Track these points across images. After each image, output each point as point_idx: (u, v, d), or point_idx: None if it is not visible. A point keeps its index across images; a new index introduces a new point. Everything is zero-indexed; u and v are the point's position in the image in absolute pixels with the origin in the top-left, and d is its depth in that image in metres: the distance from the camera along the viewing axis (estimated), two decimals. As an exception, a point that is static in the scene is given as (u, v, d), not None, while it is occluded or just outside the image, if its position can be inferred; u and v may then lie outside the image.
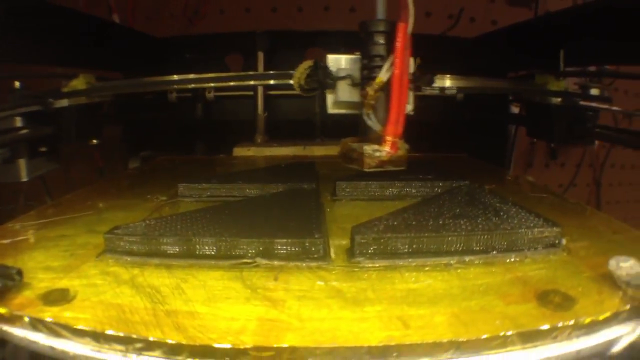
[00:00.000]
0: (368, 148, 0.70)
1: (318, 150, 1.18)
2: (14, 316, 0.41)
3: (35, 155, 0.96)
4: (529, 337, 0.36)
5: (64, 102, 0.98)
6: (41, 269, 0.49)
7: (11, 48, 0.90)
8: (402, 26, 0.66)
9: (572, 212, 0.68)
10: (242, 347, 0.35)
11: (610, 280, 0.42)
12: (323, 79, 0.77)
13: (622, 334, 0.38)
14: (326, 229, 0.57)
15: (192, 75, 0.98)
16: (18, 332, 0.41)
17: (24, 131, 0.92)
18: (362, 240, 0.49)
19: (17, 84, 0.95)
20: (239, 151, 1.21)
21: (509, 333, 0.35)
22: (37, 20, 0.91)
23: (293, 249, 0.50)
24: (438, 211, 0.55)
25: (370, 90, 0.69)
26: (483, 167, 1.07)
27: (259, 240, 0.50)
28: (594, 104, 0.96)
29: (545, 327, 0.36)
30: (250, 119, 1.34)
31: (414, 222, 0.52)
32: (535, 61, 1.17)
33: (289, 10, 1.59)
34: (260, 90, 1.32)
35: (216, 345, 0.36)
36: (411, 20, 0.66)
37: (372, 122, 0.71)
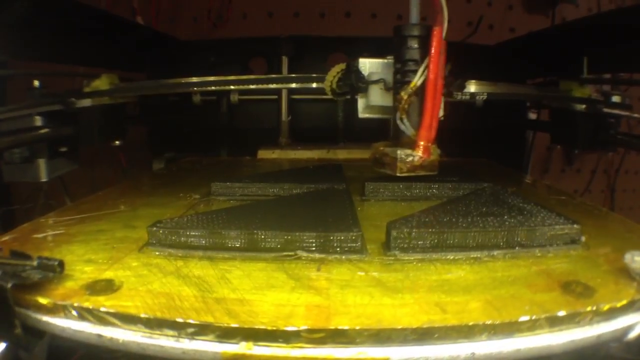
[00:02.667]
0: (401, 153, 0.70)
1: (342, 154, 1.21)
2: (57, 306, 0.42)
3: (55, 156, 0.95)
4: (555, 321, 0.39)
5: (87, 102, 0.98)
6: (82, 262, 0.51)
7: (32, 45, 0.91)
8: (437, 30, 0.66)
9: (589, 213, 0.71)
10: (294, 329, 0.38)
11: (626, 273, 0.46)
12: (355, 83, 0.78)
13: (638, 321, 0.41)
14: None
15: (212, 78, 1.00)
16: (61, 322, 0.42)
17: (44, 131, 0.91)
18: (398, 235, 0.53)
19: (36, 82, 0.94)
20: (264, 153, 1.24)
21: (538, 317, 0.39)
22: (59, 17, 0.92)
23: (333, 243, 0.53)
24: (466, 210, 0.59)
25: (404, 95, 0.69)
26: (502, 171, 1.09)
27: (300, 234, 0.53)
28: (616, 111, 0.97)
29: (570, 312, 0.40)
30: (274, 123, 1.37)
31: (445, 219, 0.55)
32: (554, 68, 1.19)
33: (311, 16, 1.61)
34: (284, 94, 1.34)
35: (269, 328, 0.38)
36: (445, 24, 0.66)
37: (405, 127, 0.71)
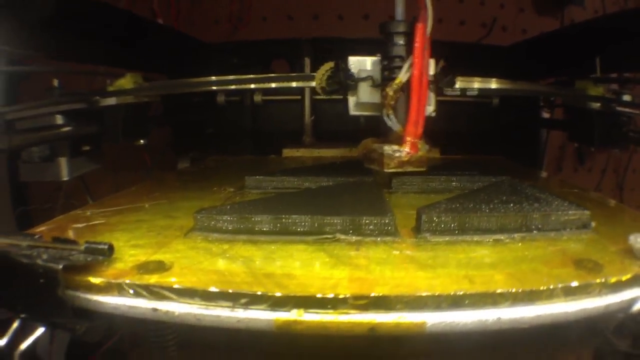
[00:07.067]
0: (388, 149, 0.71)
1: None
2: (111, 284, 0.45)
3: (77, 154, 0.94)
4: (569, 291, 0.45)
5: (112, 101, 0.99)
6: (129, 247, 0.54)
7: (54, 45, 0.91)
8: (420, 27, 0.68)
9: (599, 204, 0.77)
10: (341, 296, 0.43)
11: (631, 254, 0.52)
12: (344, 81, 0.78)
13: (641, 294, 0.47)
14: (392, 211, 0.64)
15: (233, 77, 1.04)
16: (114, 300, 0.45)
17: (66, 129, 0.90)
18: (428, 219, 0.59)
19: (55, 81, 0.93)
20: (288, 152, 1.29)
21: (555, 287, 0.45)
22: (82, 17, 0.92)
23: (368, 226, 0.58)
24: (488, 198, 0.64)
25: (390, 91, 0.71)
26: (518, 167, 1.14)
27: (338, 218, 0.58)
28: (628, 109, 1.00)
29: (582, 283, 0.45)
30: (297, 123, 1.39)
31: (469, 206, 0.61)
32: (566, 68, 1.23)
33: (329, 18, 1.65)
34: (307, 94, 1.37)
35: (319, 296, 0.43)
36: (430, 21, 0.68)
37: (392, 123, 0.72)
